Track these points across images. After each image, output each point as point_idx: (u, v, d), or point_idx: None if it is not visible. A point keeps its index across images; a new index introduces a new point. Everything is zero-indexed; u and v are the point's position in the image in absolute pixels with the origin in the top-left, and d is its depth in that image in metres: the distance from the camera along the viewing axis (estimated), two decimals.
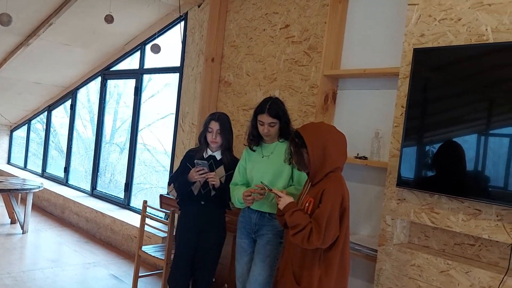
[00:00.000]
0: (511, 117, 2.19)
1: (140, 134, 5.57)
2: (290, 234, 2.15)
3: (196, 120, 4.32)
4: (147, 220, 3.51)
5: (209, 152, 3.04)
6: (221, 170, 2.99)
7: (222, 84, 4.31)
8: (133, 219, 4.99)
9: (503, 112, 2.23)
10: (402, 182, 2.57)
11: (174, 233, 3.23)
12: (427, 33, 2.56)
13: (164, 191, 4.58)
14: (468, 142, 2.35)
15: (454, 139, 2.41)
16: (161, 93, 5.61)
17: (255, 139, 2.72)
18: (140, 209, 5.20)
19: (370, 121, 3.10)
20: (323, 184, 2.15)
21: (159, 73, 5.24)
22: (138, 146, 5.55)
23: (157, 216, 3.74)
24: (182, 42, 4.60)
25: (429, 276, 2.44)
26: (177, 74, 4.76)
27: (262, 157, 2.70)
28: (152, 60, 5.35)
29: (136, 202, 5.55)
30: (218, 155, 3.02)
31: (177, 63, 4.74)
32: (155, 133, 5.66)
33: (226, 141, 2.99)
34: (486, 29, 2.33)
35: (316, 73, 3.45)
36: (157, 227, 3.48)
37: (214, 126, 2.96)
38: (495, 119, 2.28)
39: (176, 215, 3.26)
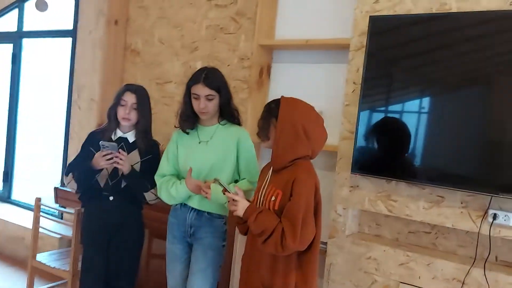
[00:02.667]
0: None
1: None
2: (259, 243, 1.75)
3: (96, 95, 3.62)
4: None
5: (119, 134, 2.44)
6: (135, 156, 2.41)
7: (128, 52, 3.65)
8: (18, 217, 4.15)
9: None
10: (356, 168, 2.31)
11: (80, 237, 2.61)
12: None
13: (54, 180, 3.81)
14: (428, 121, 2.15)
15: (406, 119, 2.19)
16: (41, 63, 4.66)
17: (190, 120, 2.18)
18: (26, 204, 4.37)
19: (312, 99, 2.71)
20: (291, 172, 1.76)
21: (45, 36, 4.33)
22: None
23: (50, 213, 3.05)
24: None
25: (386, 269, 2.24)
26: (68, 39, 3.97)
27: (199, 142, 2.18)
28: (34, 22, 4.39)
29: (18, 195, 4.62)
30: (131, 137, 2.43)
31: (69, 25, 3.92)
32: (37, 110, 4.72)
33: (143, 120, 2.40)
34: None
35: (246, 42, 3.01)
36: (51, 230, 2.79)
37: (130, 98, 2.36)
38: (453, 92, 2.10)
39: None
